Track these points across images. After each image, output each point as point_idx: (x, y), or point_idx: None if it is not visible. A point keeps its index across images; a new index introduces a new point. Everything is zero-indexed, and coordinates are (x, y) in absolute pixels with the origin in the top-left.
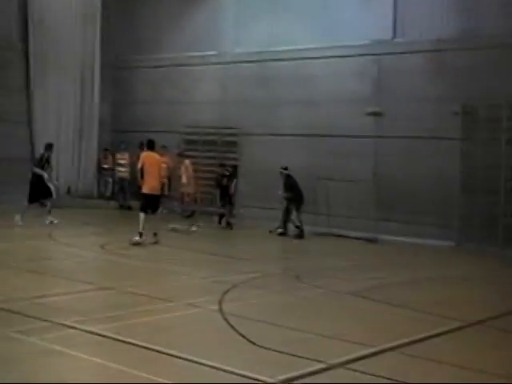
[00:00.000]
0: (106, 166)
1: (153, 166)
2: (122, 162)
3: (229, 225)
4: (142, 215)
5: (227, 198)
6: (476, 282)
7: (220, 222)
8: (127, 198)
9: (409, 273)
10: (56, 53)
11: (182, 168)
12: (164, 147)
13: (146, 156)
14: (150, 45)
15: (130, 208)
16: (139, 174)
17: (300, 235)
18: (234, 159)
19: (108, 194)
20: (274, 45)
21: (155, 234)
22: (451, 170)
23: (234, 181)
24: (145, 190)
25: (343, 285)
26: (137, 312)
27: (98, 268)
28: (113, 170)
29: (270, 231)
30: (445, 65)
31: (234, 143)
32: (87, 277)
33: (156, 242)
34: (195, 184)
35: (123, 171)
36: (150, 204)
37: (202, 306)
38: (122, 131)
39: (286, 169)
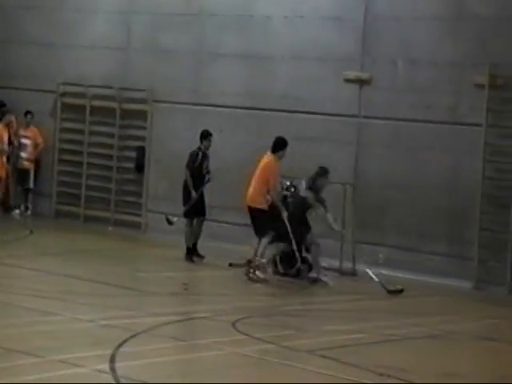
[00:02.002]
0: None
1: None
2: None
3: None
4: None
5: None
6: (501, 344)
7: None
8: None
9: (401, 325)
10: None
11: None
12: (29, 113)
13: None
14: None
15: None
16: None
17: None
18: (141, 139)
19: None
20: None
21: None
22: (471, 171)
23: None
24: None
25: (299, 338)
26: None
27: None
28: None
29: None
30: (465, 11)
31: (141, 114)
32: None
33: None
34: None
35: None
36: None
37: (85, 365)
38: None
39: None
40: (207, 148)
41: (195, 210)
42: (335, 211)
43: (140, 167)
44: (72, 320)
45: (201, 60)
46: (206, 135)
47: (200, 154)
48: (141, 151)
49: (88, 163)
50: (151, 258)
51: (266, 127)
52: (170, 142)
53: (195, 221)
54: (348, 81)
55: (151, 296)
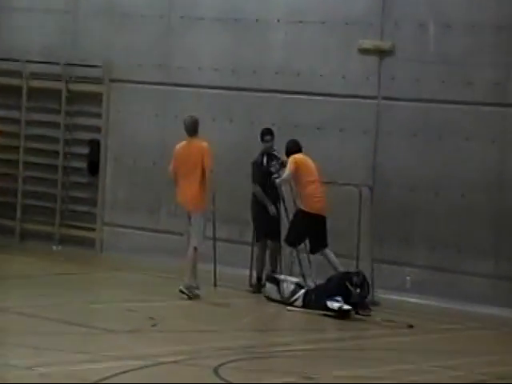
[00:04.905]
0: None
1: None
2: None
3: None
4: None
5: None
6: None
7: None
8: None
9: (430, 369)
10: None
11: None
12: None
13: None
14: None
15: None
16: None
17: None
18: (94, 129)
19: None
20: None
21: None
22: None
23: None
24: None
25: None
26: None
27: None
28: None
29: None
30: None
31: (94, 96)
32: None
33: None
34: None
35: None
36: None
37: None
38: None
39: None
40: (269, 150)
41: (271, 230)
42: (348, 219)
43: (94, 167)
44: (2, 367)
45: (171, 26)
46: (262, 135)
47: (264, 160)
48: (95, 146)
49: (25, 162)
50: (109, 285)
51: (257, 112)
52: (132, 134)
53: (269, 244)
54: (364, 51)
55: (109, 334)
